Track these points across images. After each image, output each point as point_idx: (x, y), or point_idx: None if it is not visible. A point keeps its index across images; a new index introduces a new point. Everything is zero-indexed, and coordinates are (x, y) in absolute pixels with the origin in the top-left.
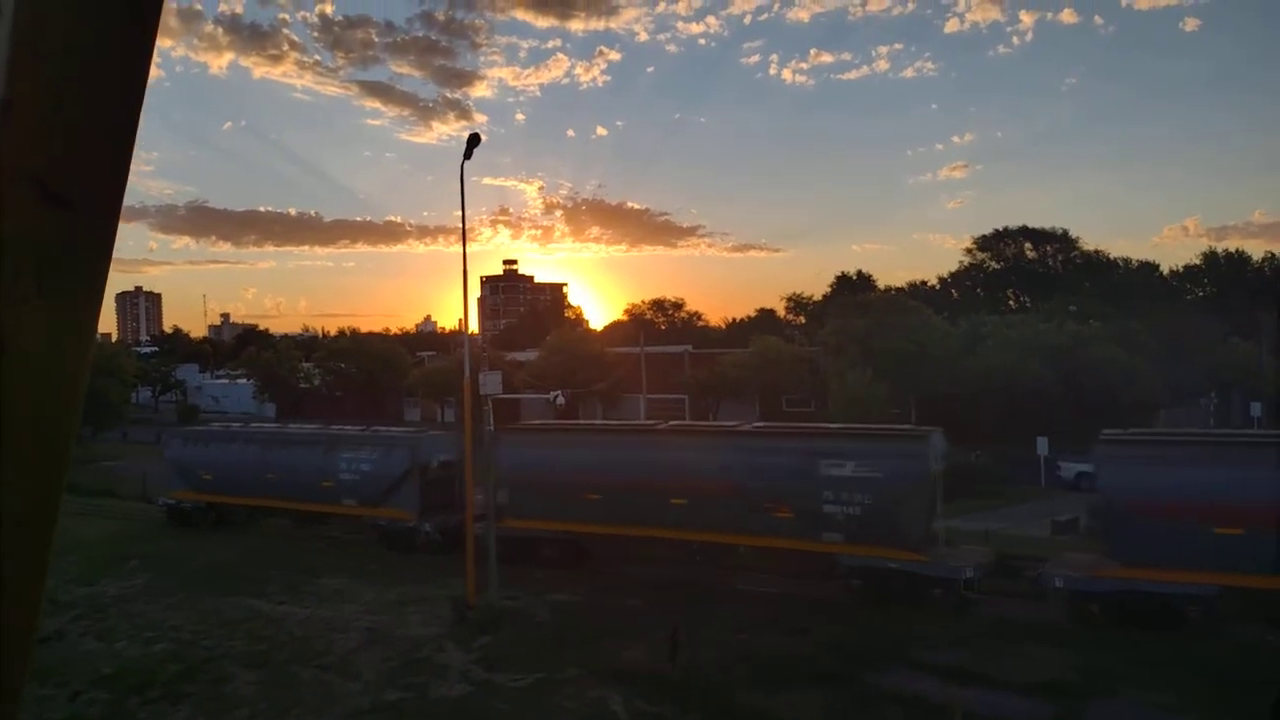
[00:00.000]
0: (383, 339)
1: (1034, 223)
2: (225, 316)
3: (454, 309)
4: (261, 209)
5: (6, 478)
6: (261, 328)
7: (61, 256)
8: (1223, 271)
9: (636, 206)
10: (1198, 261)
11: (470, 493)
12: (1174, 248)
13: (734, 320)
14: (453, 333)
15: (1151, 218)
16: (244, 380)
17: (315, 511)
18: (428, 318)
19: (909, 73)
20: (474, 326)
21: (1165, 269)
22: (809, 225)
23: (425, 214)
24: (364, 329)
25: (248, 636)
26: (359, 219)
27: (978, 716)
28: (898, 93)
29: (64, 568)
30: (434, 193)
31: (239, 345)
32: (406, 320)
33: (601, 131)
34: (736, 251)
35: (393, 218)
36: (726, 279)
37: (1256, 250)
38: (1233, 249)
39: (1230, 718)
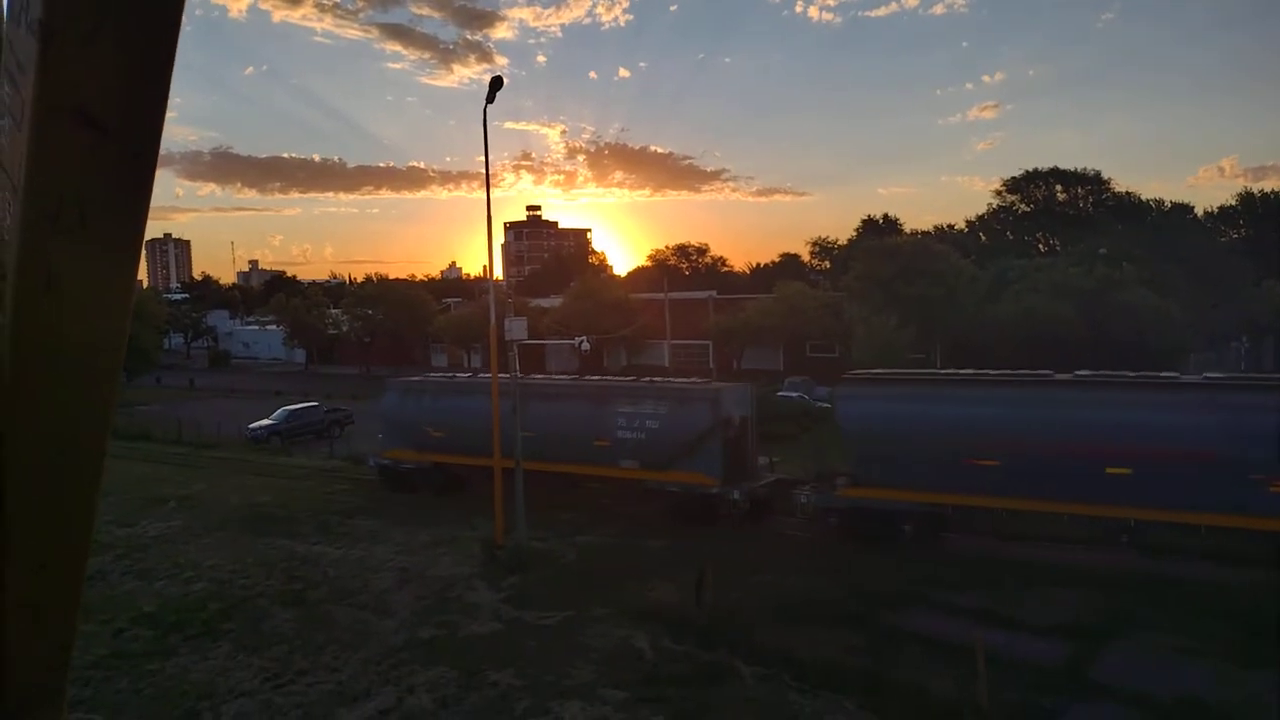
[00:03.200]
0: (409, 285)
1: (1065, 164)
2: (254, 263)
3: (478, 255)
4: (285, 155)
5: (59, 406)
6: (289, 274)
7: (104, 187)
8: (1259, 213)
9: (660, 150)
10: (1233, 203)
11: (497, 435)
12: (1210, 189)
13: (758, 265)
14: (477, 279)
15: (1187, 158)
16: (274, 326)
17: (582, 475)
18: (453, 264)
19: (939, 9)
20: (498, 273)
21: (1200, 211)
22: (835, 168)
23: (448, 159)
24: (390, 275)
25: (284, 576)
26: (382, 164)
27: (996, 655)
28: (927, 30)
29: (103, 509)
30: (456, 138)
31: (268, 292)
32: (432, 266)
33: (624, 73)
34: (761, 195)
35: (415, 163)
36: (751, 223)
37: None
38: (1270, 190)
39: (1246, 661)
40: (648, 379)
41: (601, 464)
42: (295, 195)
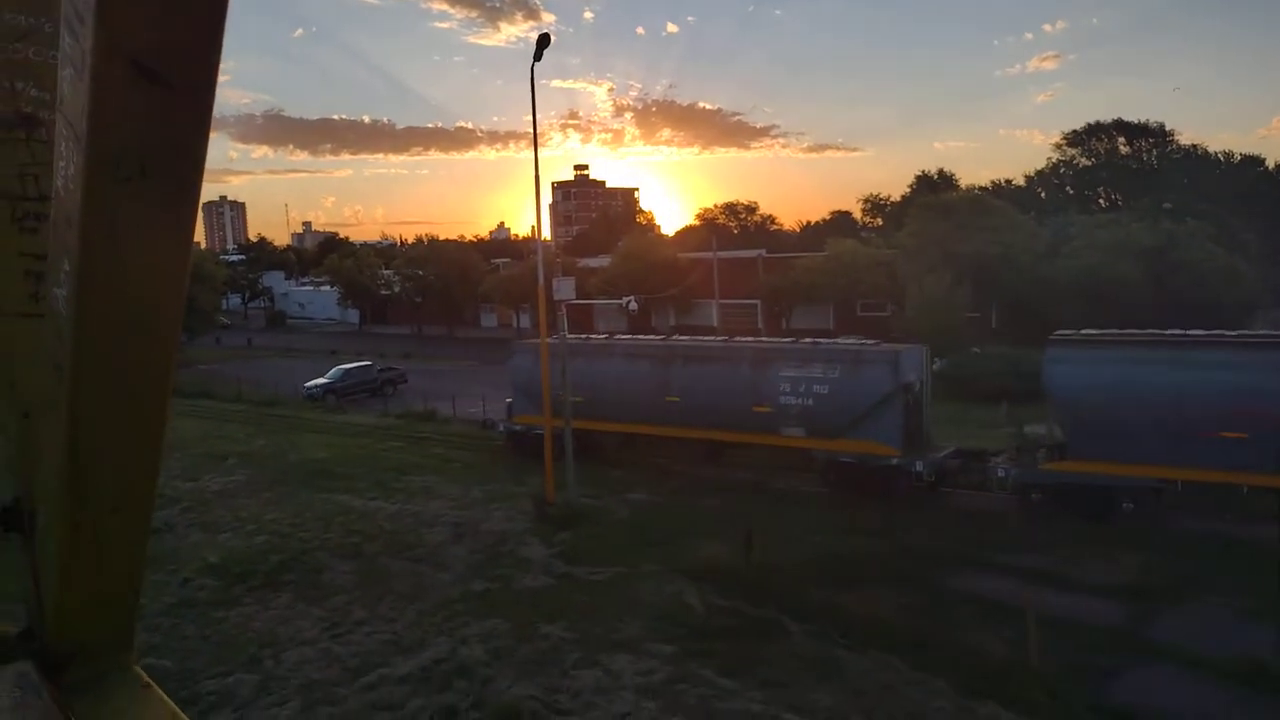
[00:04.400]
0: (458, 246)
1: (1129, 116)
2: (307, 225)
3: (527, 215)
4: (336, 117)
5: (125, 354)
6: (342, 235)
7: (163, 137)
8: None
9: (708, 107)
10: None
11: (547, 394)
12: None
13: (808, 223)
14: (526, 239)
15: (1259, 108)
16: (328, 287)
17: (737, 443)
18: (501, 224)
19: None
20: (546, 233)
21: (1271, 163)
22: (888, 123)
23: (495, 119)
24: (440, 236)
25: (341, 530)
26: (431, 125)
27: (1052, 616)
28: None
29: (168, 465)
30: (503, 97)
31: (321, 253)
32: (480, 227)
33: (672, 28)
34: (812, 152)
35: (463, 123)
36: (801, 180)
37: None
38: None
39: None
40: (810, 340)
41: (760, 431)
42: (346, 157)
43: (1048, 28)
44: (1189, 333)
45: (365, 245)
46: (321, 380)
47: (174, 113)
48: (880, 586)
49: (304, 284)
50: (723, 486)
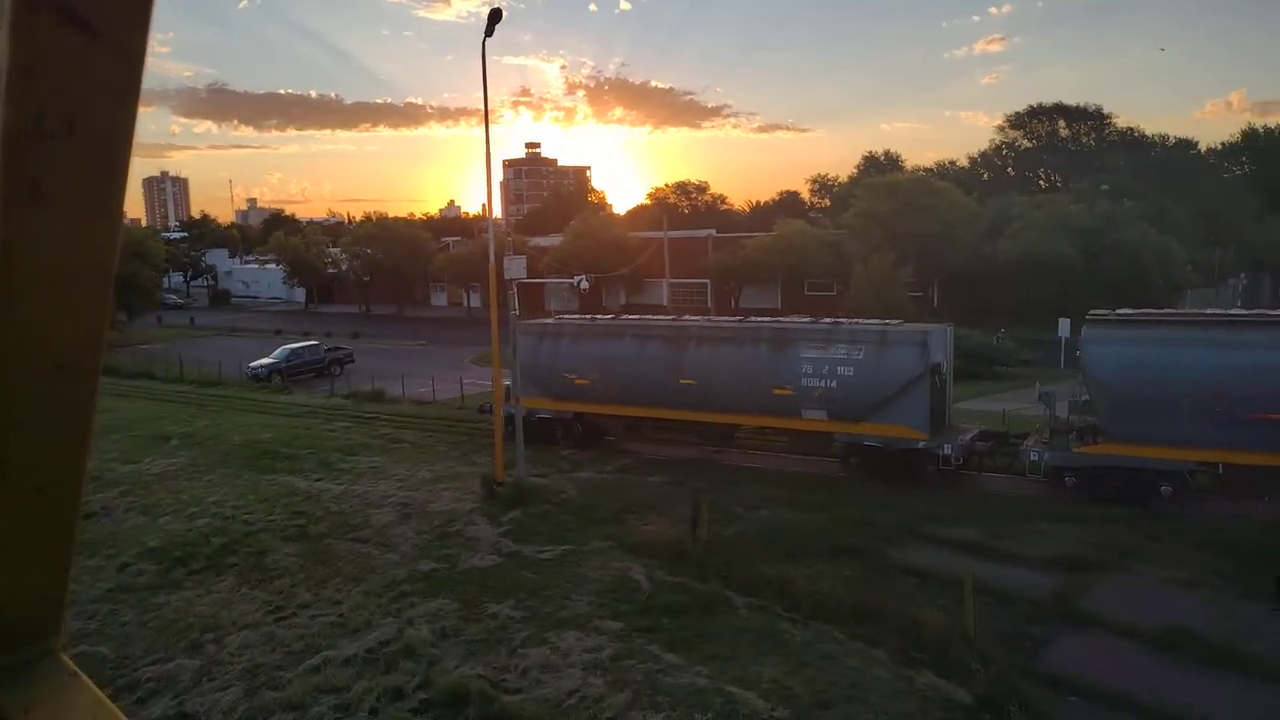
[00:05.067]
0: (408, 224)
1: (1071, 99)
2: (252, 201)
3: (478, 193)
4: (282, 91)
5: (50, 322)
6: (288, 212)
7: (91, 90)
8: (1263, 148)
9: (661, 86)
10: (1238, 138)
11: (497, 373)
12: (1217, 124)
13: (758, 203)
14: (477, 218)
15: (1194, 93)
16: (273, 265)
17: (755, 427)
18: (451, 202)
19: None
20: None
21: (1204, 146)
22: (838, 104)
23: (446, 95)
24: (389, 213)
25: (286, 512)
26: (379, 101)
27: (988, 588)
28: None
29: (106, 447)
30: (454, 73)
31: (266, 230)
32: (430, 204)
33: (625, 6)
34: (762, 132)
35: (413, 99)
36: (752, 161)
37: None
38: (1275, 124)
39: (1235, 592)
40: (830, 319)
41: (780, 415)
42: (292, 132)
43: (994, 10)
44: (1229, 313)
45: (312, 223)
46: (267, 360)
47: (104, 65)
48: (824, 560)
49: (249, 262)
50: (671, 463)
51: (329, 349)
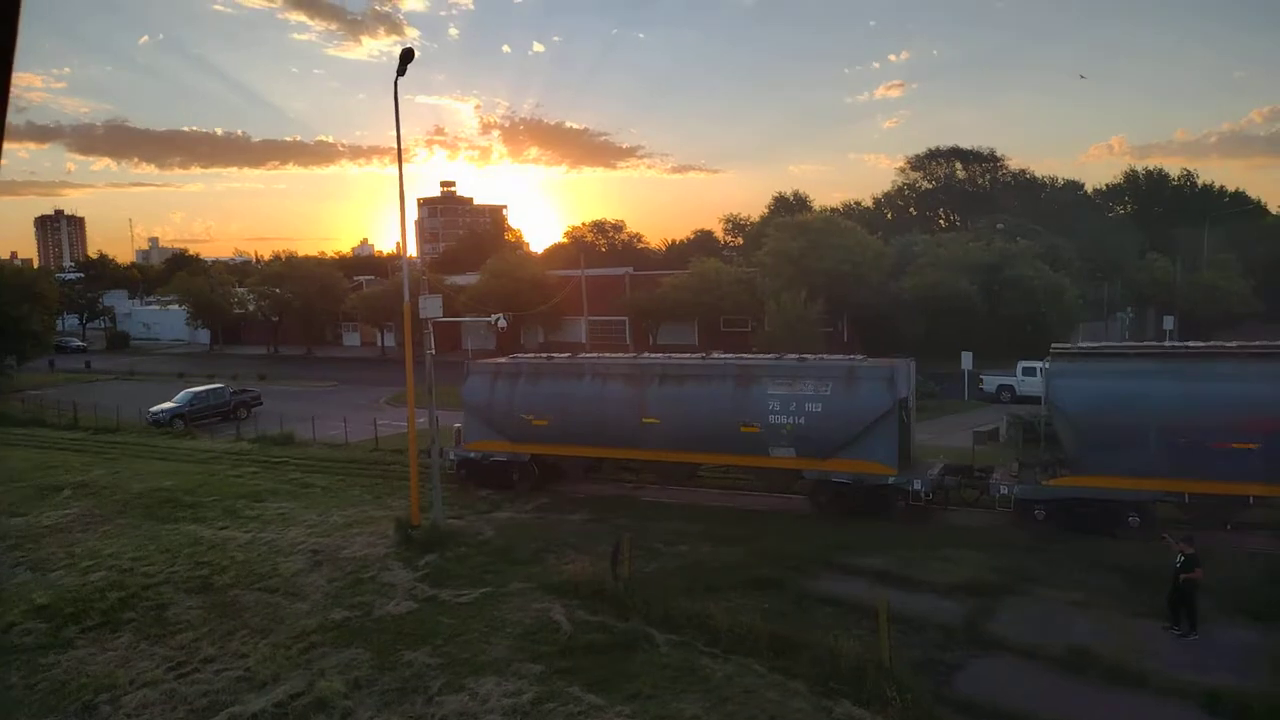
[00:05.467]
0: (319, 263)
1: (967, 142)
2: (154, 241)
3: (391, 232)
4: (186, 129)
5: None
6: (192, 252)
7: None
8: (1143, 190)
9: (575, 126)
10: (1120, 180)
11: (412, 415)
12: (1099, 166)
13: (673, 242)
14: (391, 256)
15: (1079, 137)
16: (176, 306)
17: (721, 465)
18: (364, 241)
19: None
20: (412, 250)
21: (1089, 187)
22: (747, 146)
23: (358, 134)
24: (299, 252)
25: (189, 562)
26: (289, 139)
27: (901, 615)
28: (836, 8)
29: None
30: (366, 111)
31: (169, 270)
32: (343, 244)
33: (538, 48)
34: (676, 172)
35: (324, 137)
36: (666, 200)
37: (1176, 168)
38: (1153, 167)
39: (1129, 611)
40: (795, 355)
41: (747, 453)
42: (197, 170)
43: (893, 58)
44: (1187, 345)
45: (218, 262)
46: (168, 405)
47: None
48: (743, 593)
49: (150, 303)
50: (591, 500)
51: (235, 392)
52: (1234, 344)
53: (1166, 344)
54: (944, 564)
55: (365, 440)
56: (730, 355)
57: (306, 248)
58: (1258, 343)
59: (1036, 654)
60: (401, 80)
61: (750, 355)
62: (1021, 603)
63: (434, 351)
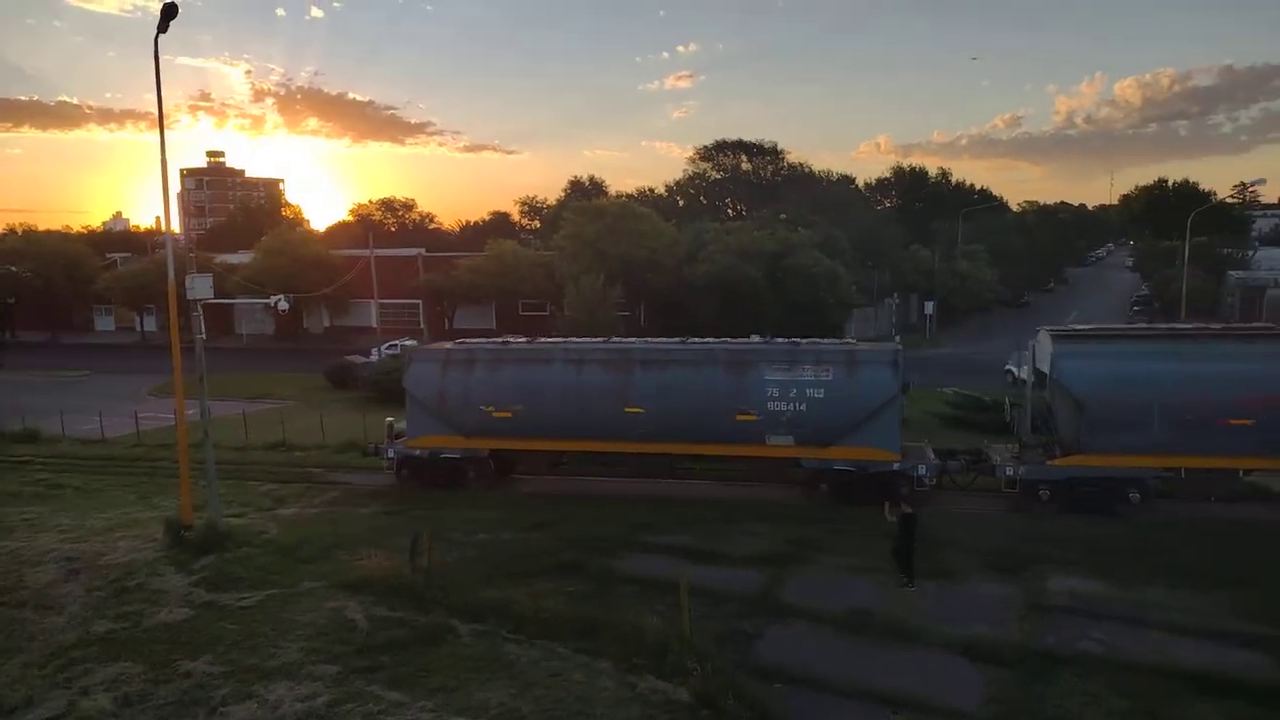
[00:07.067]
0: (63, 238)
1: (753, 135)
2: None
3: (151, 205)
4: None
5: None
6: None
7: None
8: (906, 185)
9: (360, 98)
10: (887, 175)
11: (180, 405)
12: (869, 162)
13: (468, 223)
14: (150, 232)
15: (851, 134)
16: None
17: (715, 456)
18: (118, 214)
19: None
20: (175, 225)
21: (861, 182)
22: (543, 128)
23: (109, 96)
24: (39, 226)
25: None
26: (25, 98)
27: (702, 589)
28: None
29: None
30: (118, 71)
31: None
32: (92, 217)
33: (317, 13)
34: (469, 152)
35: (67, 98)
36: (460, 180)
37: (934, 166)
38: (915, 165)
39: (888, 568)
40: (786, 339)
41: (742, 442)
42: None
43: (682, 49)
44: (1179, 326)
45: None
46: None
47: None
48: (548, 578)
49: None
50: (384, 493)
51: None
52: (1218, 326)
53: (1160, 325)
54: (743, 538)
55: (126, 435)
56: (715, 339)
57: (49, 221)
58: (1240, 325)
59: (825, 618)
60: (163, 38)
61: (735, 340)
62: (810, 571)
63: (204, 336)
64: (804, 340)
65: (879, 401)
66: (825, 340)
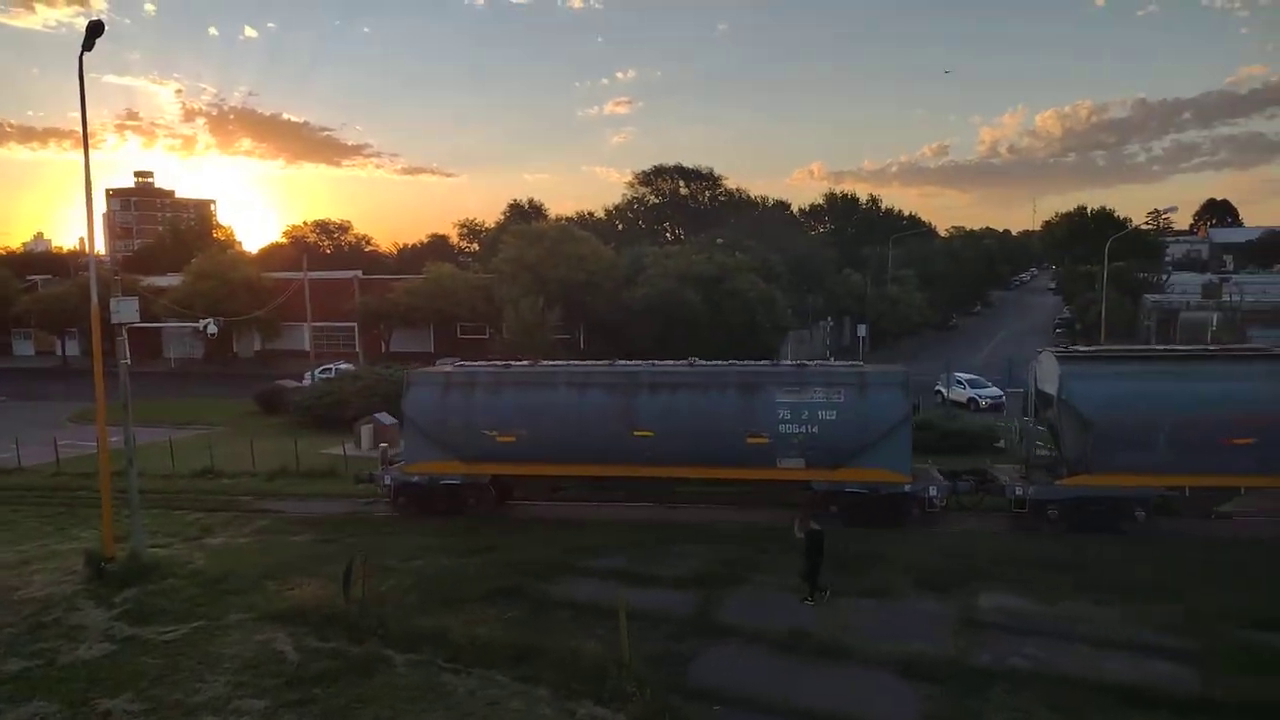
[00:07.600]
0: None
1: (690, 160)
2: None
3: (74, 226)
4: None
5: None
6: None
7: None
8: (839, 211)
9: (294, 119)
10: (820, 201)
11: (103, 432)
12: (802, 188)
13: (406, 246)
14: (73, 253)
15: (786, 160)
16: None
17: (724, 480)
18: (39, 235)
19: (576, 2)
20: (100, 246)
21: (795, 208)
22: (482, 151)
23: (30, 114)
24: None
25: None
26: None
27: (638, 611)
28: (566, 21)
29: None
30: (41, 89)
31: None
32: (12, 239)
33: (251, 33)
34: (407, 174)
35: None
36: (397, 202)
37: (864, 193)
38: (847, 191)
39: (835, 591)
40: (794, 362)
41: (753, 465)
42: None
43: (620, 75)
44: (1178, 348)
45: None
46: None
47: None
48: (484, 604)
49: None
50: (318, 520)
51: None
52: (1215, 347)
53: (1161, 347)
54: (677, 559)
55: (45, 464)
56: (720, 361)
57: None
58: (1241, 346)
59: (760, 638)
60: (89, 56)
61: (742, 362)
62: (745, 591)
63: (129, 361)
64: (811, 363)
65: (890, 423)
66: (833, 363)
